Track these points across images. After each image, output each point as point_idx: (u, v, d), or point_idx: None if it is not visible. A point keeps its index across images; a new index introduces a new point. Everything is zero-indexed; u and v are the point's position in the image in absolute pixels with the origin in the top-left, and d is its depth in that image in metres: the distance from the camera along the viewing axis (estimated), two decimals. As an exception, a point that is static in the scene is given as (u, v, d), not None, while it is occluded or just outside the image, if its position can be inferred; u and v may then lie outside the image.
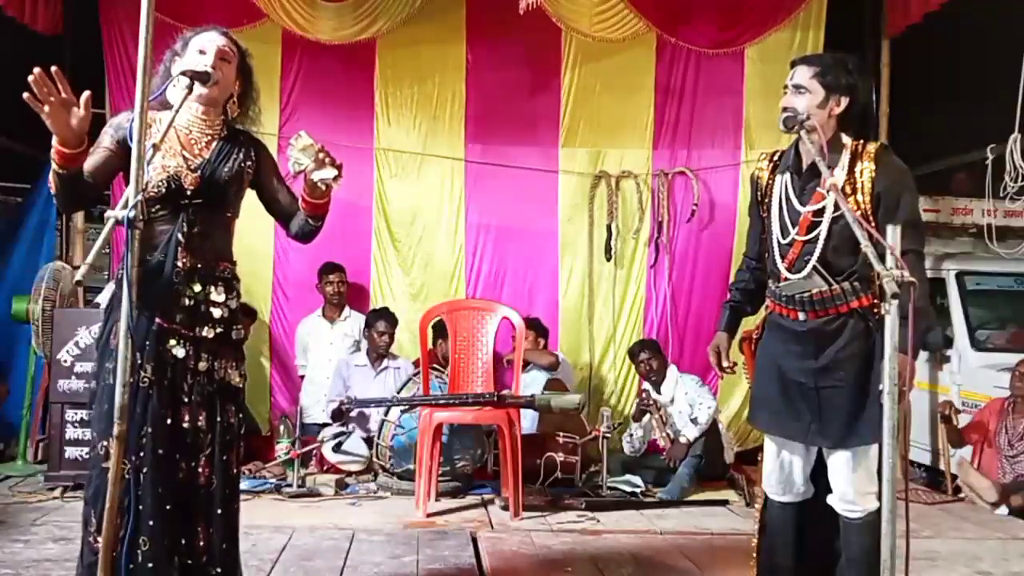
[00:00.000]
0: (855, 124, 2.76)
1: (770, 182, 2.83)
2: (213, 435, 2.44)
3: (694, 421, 5.19)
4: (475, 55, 6.14)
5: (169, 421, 2.36)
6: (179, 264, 2.40)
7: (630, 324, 6.20)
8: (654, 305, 6.20)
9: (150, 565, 2.28)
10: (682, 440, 5.15)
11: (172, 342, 2.38)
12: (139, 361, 2.29)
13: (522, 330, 4.89)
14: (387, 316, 5.59)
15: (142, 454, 2.30)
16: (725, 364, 2.95)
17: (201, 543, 2.41)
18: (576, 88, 6.16)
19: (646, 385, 5.50)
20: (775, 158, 2.87)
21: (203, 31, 2.53)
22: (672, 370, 5.45)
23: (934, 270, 5.87)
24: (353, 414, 5.28)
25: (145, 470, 2.30)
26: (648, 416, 5.29)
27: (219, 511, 2.44)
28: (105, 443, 2.28)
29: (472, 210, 6.17)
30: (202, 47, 2.48)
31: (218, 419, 2.45)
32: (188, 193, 2.43)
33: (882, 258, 2.06)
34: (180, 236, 2.40)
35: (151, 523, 2.29)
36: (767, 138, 6.04)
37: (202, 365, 2.43)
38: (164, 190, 2.39)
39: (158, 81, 2.45)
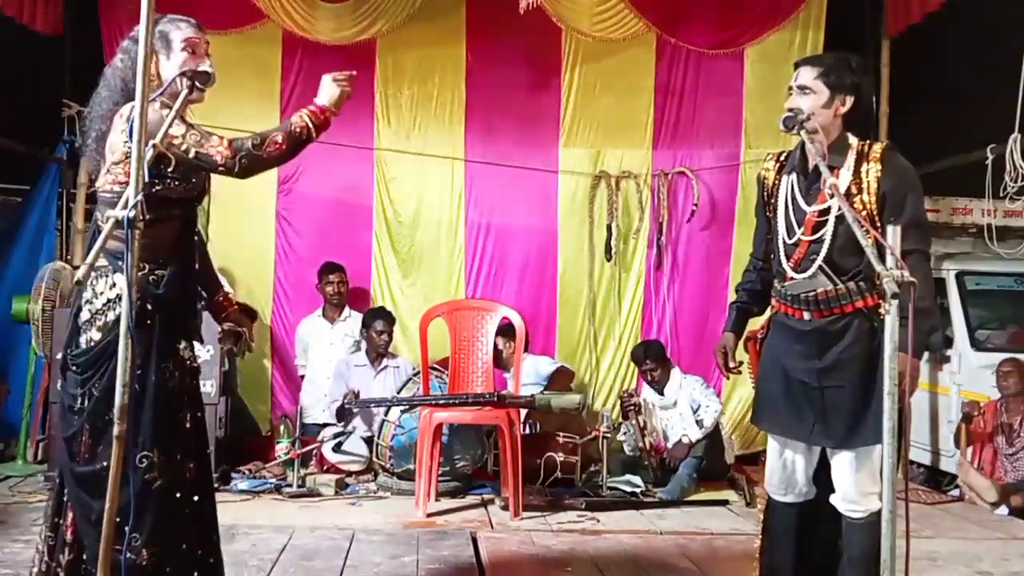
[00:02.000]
0: (859, 124, 2.76)
1: (776, 182, 2.83)
2: (197, 429, 2.44)
3: (699, 423, 5.19)
4: (475, 55, 6.15)
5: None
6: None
7: (630, 324, 6.20)
8: (654, 305, 6.20)
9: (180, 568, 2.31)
10: (684, 440, 5.15)
11: (183, 344, 2.39)
12: (171, 369, 2.32)
13: (522, 331, 4.89)
14: (384, 315, 5.59)
15: (188, 470, 2.33)
16: (731, 364, 2.95)
17: (196, 536, 2.40)
18: (576, 88, 6.17)
19: (644, 392, 5.50)
20: (781, 158, 2.87)
21: (184, 25, 2.42)
22: (675, 372, 5.43)
23: (934, 270, 5.86)
24: (356, 411, 5.30)
25: (189, 487, 2.33)
26: (632, 415, 5.26)
27: (206, 503, 2.45)
28: (151, 454, 2.25)
29: (472, 210, 6.18)
30: (192, 46, 2.40)
31: (199, 414, 2.46)
32: (207, 194, 2.47)
33: (884, 258, 2.06)
34: (199, 239, 2.44)
35: (183, 525, 2.33)
36: (767, 138, 6.04)
37: (196, 364, 2.44)
38: (197, 192, 2.40)
39: (120, 72, 2.39)
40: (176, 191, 2.31)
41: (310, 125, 2.40)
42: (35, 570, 2.39)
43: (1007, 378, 5.22)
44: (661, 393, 5.36)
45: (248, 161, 2.26)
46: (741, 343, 3.03)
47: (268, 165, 2.34)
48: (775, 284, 2.82)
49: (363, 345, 5.74)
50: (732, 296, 6.08)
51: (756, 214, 2.99)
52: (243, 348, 2.60)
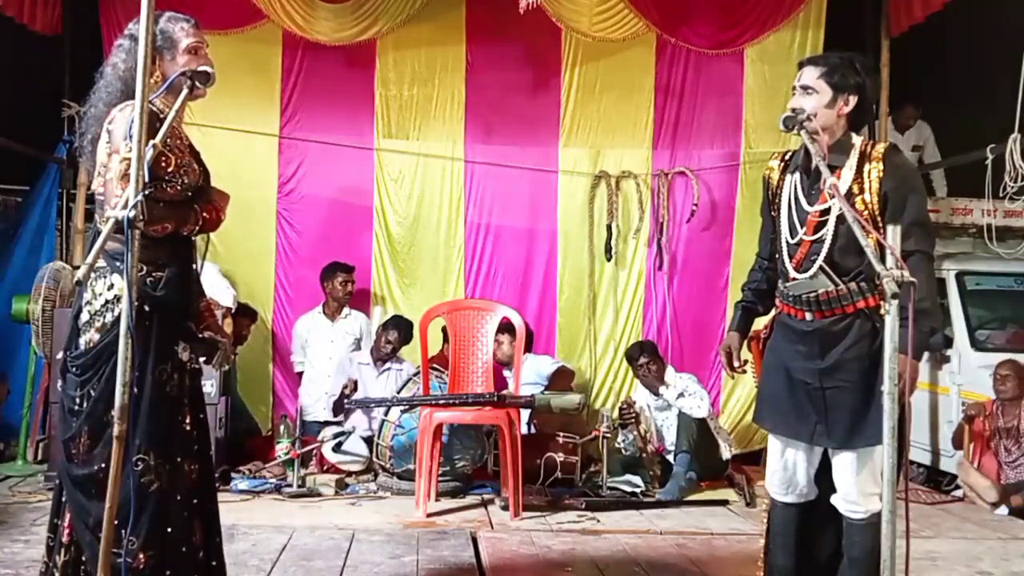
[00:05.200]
0: (864, 123, 2.77)
1: (780, 181, 2.83)
2: (199, 431, 2.43)
3: (680, 396, 5.16)
4: (475, 55, 6.15)
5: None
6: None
7: (630, 324, 6.20)
8: (654, 305, 6.20)
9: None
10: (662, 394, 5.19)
11: (182, 346, 2.38)
12: (169, 371, 2.32)
13: (522, 331, 4.89)
14: (403, 327, 5.54)
15: (188, 472, 2.33)
16: (735, 364, 2.95)
17: (198, 539, 2.39)
18: (576, 88, 6.17)
19: (636, 395, 5.49)
20: (786, 157, 2.87)
21: (186, 25, 2.42)
22: (670, 371, 5.42)
23: (935, 270, 5.87)
24: (352, 408, 5.30)
25: (180, 486, 2.32)
26: (631, 426, 5.23)
27: (208, 505, 2.45)
28: (146, 457, 2.24)
29: (472, 210, 6.18)
30: (196, 48, 2.40)
31: (200, 416, 2.45)
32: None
33: (884, 258, 2.05)
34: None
35: (182, 528, 2.32)
36: (767, 138, 6.05)
37: (195, 365, 2.44)
38: (192, 193, 2.38)
39: (119, 72, 2.37)
40: (169, 193, 2.29)
41: (200, 224, 2.37)
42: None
43: (1005, 382, 5.19)
44: (656, 394, 5.34)
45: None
46: (745, 342, 3.03)
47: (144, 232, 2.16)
48: (779, 284, 2.82)
49: (364, 344, 5.75)
50: (732, 296, 6.08)
51: (761, 213, 2.99)
52: (220, 361, 2.56)
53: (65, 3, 5.98)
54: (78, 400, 2.28)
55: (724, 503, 4.87)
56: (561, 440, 5.09)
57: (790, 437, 2.80)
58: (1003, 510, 4.94)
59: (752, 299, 3.02)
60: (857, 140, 2.70)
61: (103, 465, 2.14)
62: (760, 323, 3.03)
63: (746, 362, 2.98)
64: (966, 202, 6.40)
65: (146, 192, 2.00)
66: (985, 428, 5.27)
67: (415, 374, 5.11)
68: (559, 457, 5.02)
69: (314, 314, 5.91)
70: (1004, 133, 5.37)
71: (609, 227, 6.14)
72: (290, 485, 4.83)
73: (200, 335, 2.49)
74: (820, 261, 2.63)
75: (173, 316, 2.35)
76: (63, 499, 2.33)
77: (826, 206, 2.64)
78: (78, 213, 5.89)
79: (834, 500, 2.74)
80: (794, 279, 2.71)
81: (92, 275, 2.27)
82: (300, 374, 5.97)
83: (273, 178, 6.06)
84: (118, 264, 2.23)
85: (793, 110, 2.66)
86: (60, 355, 2.42)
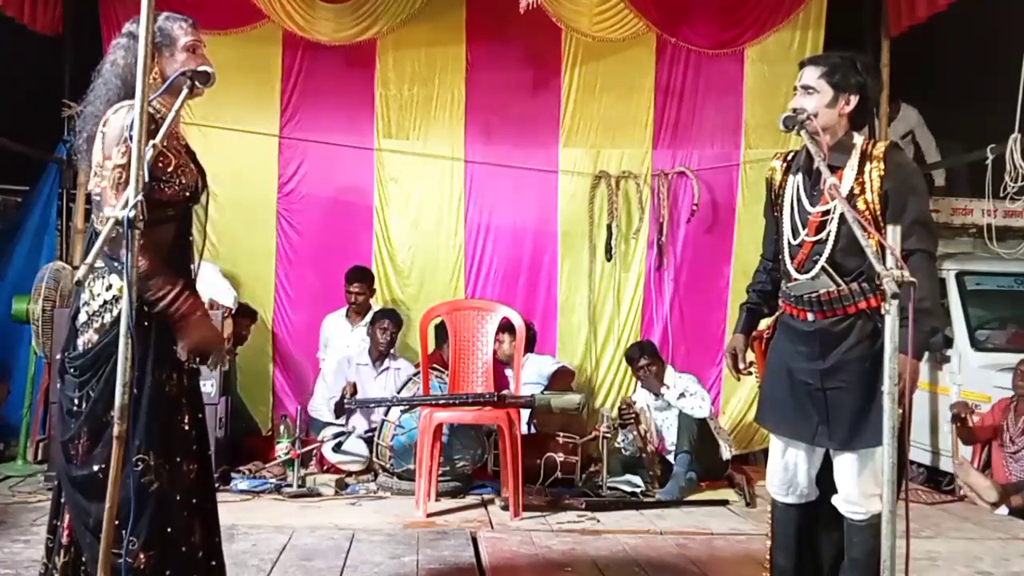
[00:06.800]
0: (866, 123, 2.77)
1: (783, 182, 2.83)
2: (197, 431, 2.43)
3: (681, 396, 5.16)
4: (475, 55, 6.15)
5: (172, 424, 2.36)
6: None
7: (630, 324, 6.19)
8: (654, 305, 6.20)
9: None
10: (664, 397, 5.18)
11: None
12: (168, 371, 2.31)
13: (522, 331, 4.88)
14: (392, 316, 5.61)
15: (187, 472, 2.33)
16: (741, 366, 2.94)
17: (198, 539, 2.39)
18: (576, 88, 6.16)
19: (636, 395, 5.48)
20: (788, 158, 2.87)
21: (185, 24, 2.41)
22: (670, 371, 5.41)
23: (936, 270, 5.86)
24: (354, 408, 5.30)
25: (180, 485, 2.31)
26: (631, 426, 5.23)
27: (208, 505, 2.45)
28: (146, 457, 2.23)
29: (472, 210, 6.18)
30: (194, 47, 2.40)
31: (199, 416, 2.44)
32: (204, 194, 2.45)
33: (885, 258, 2.05)
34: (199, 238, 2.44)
35: (182, 528, 2.32)
36: (767, 138, 6.05)
37: (192, 365, 2.43)
38: (189, 193, 2.36)
39: (118, 70, 2.36)
40: (166, 193, 2.28)
41: (164, 305, 2.25)
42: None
43: (1023, 378, 5.17)
44: (656, 395, 5.33)
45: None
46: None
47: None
48: (782, 285, 2.82)
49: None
50: (732, 296, 6.06)
51: (765, 214, 2.99)
52: (215, 361, 2.54)
53: (65, 3, 5.99)
54: (77, 401, 2.27)
55: (724, 503, 4.87)
56: (561, 440, 5.09)
57: (791, 438, 2.80)
58: (1003, 510, 4.94)
59: (757, 300, 3.02)
60: (859, 140, 2.70)
61: (103, 466, 2.14)
62: (763, 323, 3.03)
63: (751, 364, 2.97)
64: (966, 202, 6.40)
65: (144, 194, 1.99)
66: (995, 421, 5.25)
67: (415, 374, 5.11)
68: (559, 457, 5.02)
69: (339, 315, 5.92)
70: (1004, 133, 5.37)
71: (609, 227, 6.14)
72: (290, 485, 4.83)
73: None
74: (823, 262, 2.63)
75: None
76: (62, 500, 2.33)
77: (828, 207, 2.64)
78: (78, 213, 5.89)
79: (835, 501, 2.74)
80: (796, 280, 2.71)
81: (91, 275, 2.26)
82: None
83: (273, 178, 6.06)
84: (116, 265, 2.23)
85: (794, 110, 2.66)
86: (59, 356, 2.41)
